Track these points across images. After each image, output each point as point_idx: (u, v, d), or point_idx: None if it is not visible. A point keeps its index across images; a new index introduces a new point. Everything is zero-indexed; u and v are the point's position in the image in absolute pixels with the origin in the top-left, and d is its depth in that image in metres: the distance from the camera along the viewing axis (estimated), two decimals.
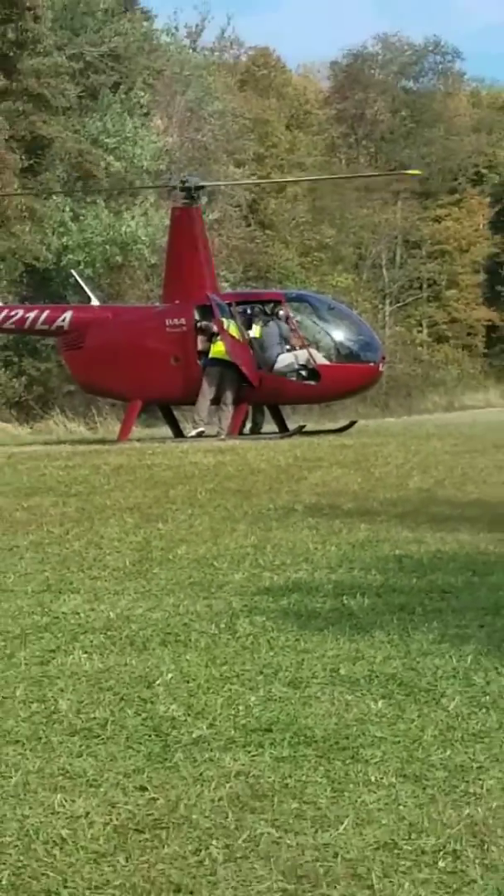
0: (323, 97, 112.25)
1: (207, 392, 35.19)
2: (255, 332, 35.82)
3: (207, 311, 35.58)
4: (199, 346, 35.41)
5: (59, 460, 26.93)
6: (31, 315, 40.25)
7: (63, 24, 63.91)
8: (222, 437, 33.90)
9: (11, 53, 58.67)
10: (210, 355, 35.09)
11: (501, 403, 77.17)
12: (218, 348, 34.86)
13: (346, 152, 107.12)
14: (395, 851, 6.04)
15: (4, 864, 5.99)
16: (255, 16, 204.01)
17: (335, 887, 5.66)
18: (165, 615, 11.18)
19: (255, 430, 36.56)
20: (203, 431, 35.02)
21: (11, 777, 7.14)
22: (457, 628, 10.42)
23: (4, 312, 40.52)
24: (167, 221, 42.16)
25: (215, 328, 35.00)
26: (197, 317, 35.63)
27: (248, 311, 36.74)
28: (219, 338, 34.89)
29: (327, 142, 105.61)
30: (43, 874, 5.87)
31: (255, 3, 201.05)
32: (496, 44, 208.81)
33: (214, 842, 6.18)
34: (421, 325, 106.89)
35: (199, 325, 35.44)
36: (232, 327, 35.13)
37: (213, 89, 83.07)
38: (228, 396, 35.16)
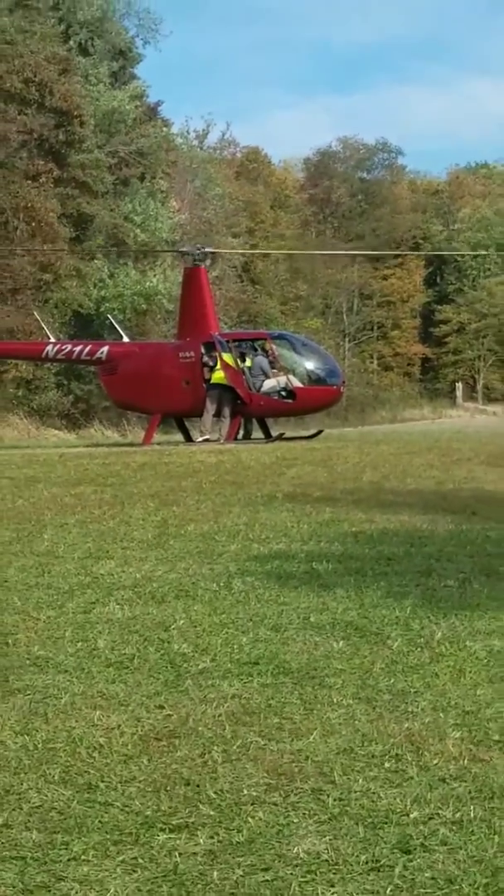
0: (298, 185, 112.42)
1: (210, 408, 35.29)
2: (247, 362, 35.96)
3: (211, 347, 35.66)
4: (205, 374, 35.53)
5: (98, 459, 26.92)
6: (77, 349, 40.43)
7: (102, 128, 63.85)
8: (221, 441, 33.97)
9: (63, 150, 58.67)
10: (212, 381, 35.20)
11: (433, 417, 77.24)
12: (218, 375, 35.00)
13: (315, 226, 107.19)
14: (352, 755, 6.04)
15: (56, 763, 5.98)
16: (249, 123, 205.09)
17: (307, 782, 5.65)
18: (178, 576, 11.17)
19: (247, 437, 36.56)
20: (208, 438, 35.05)
21: (61, 698, 7.13)
22: (398, 587, 10.40)
23: (57, 347, 40.66)
24: (180, 278, 42.19)
25: (212, 362, 35.18)
26: (203, 351, 35.73)
27: (242, 347, 36.86)
28: (219, 367, 35.01)
29: (302, 218, 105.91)
30: (85, 771, 5.87)
31: (248, 114, 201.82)
32: (429, 143, 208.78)
33: (215, 747, 6.18)
34: (372, 357, 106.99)
35: (203, 360, 35.56)
36: (229, 359, 35.21)
37: (215, 178, 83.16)
38: (226, 411, 35.28)
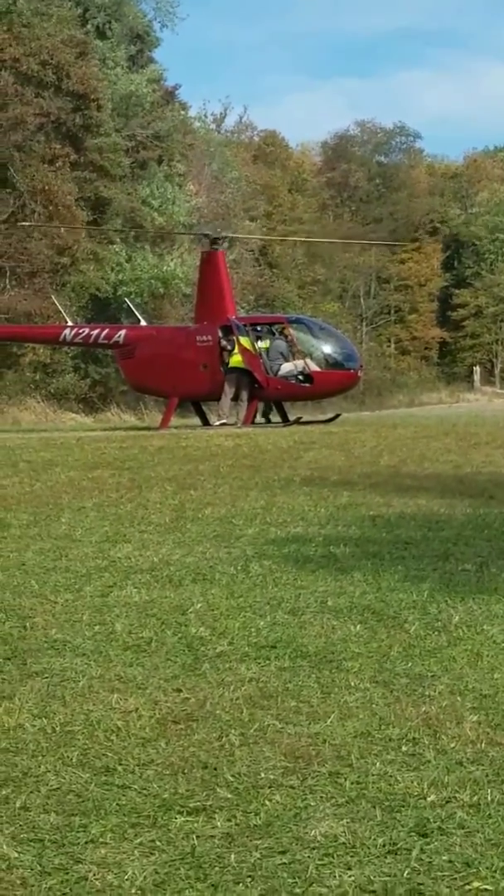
0: (316, 168, 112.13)
1: (228, 392, 35.33)
2: (264, 346, 35.93)
3: (228, 331, 35.65)
4: (223, 358, 35.54)
5: (115, 442, 26.96)
6: (95, 332, 40.44)
7: (119, 112, 63.79)
8: (239, 426, 33.97)
9: (80, 134, 58.62)
10: (230, 364, 35.22)
11: (450, 401, 77.25)
12: (236, 359, 35.02)
13: (333, 210, 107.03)
14: (369, 739, 6.05)
15: (74, 746, 6.00)
16: (266, 106, 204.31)
17: (324, 766, 5.67)
18: (196, 560, 11.19)
19: (265, 421, 36.59)
20: (225, 422, 35.09)
21: (79, 681, 7.15)
22: (416, 571, 10.42)
23: (75, 330, 40.71)
24: (198, 262, 42.16)
25: (230, 346, 35.19)
26: (220, 334, 35.72)
27: (259, 331, 36.86)
28: (236, 350, 35.03)
29: (319, 202, 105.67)
30: (103, 755, 5.89)
31: (265, 96, 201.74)
32: (446, 129, 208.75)
33: (232, 731, 6.19)
34: (389, 341, 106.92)
35: (221, 344, 35.56)
36: (247, 342, 35.23)
37: (232, 162, 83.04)
38: (244, 395, 35.34)
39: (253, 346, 35.58)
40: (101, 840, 4.90)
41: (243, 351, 35.17)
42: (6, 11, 57.18)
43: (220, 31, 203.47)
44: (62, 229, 55.69)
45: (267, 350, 35.94)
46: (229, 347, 35.51)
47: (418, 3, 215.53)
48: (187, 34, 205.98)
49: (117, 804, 5.26)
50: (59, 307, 43.92)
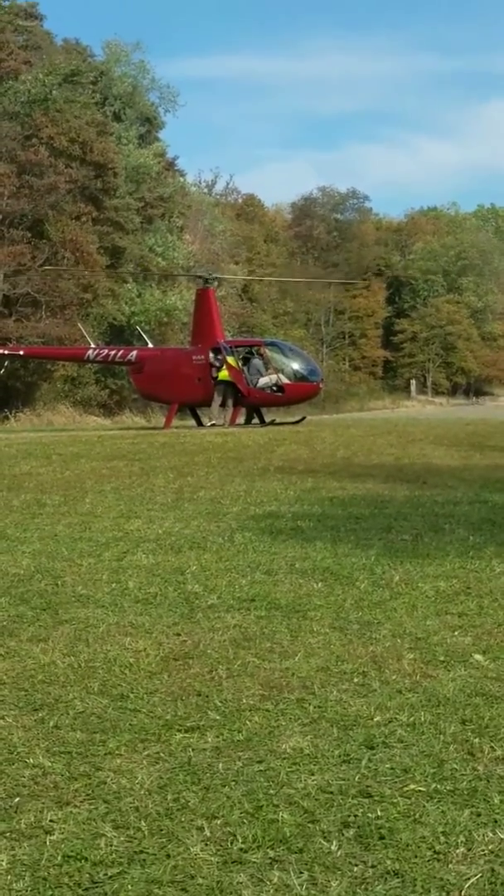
0: (286, 224, 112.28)
1: (217, 399, 35.35)
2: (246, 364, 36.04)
3: (218, 351, 35.67)
4: (213, 373, 35.55)
5: (128, 439, 26.94)
6: (112, 352, 40.54)
7: (131, 178, 63.74)
8: (226, 426, 33.97)
9: (100, 197, 58.66)
10: (218, 378, 35.25)
11: (392, 406, 77.70)
12: (223, 374, 35.07)
13: (300, 257, 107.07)
14: (328, 672, 6.05)
15: (96, 678, 6.00)
16: (247, 174, 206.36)
17: (292, 693, 5.67)
18: (192, 532, 11.18)
19: (246, 422, 36.57)
20: (215, 423, 35.08)
21: (100, 627, 7.14)
22: (365, 540, 10.41)
23: (97, 351, 40.78)
24: (193, 297, 42.17)
25: (218, 363, 35.21)
26: (211, 354, 35.74)
27: (241, 351, 36.89)
28: (224, 367, 35.07)
29: (289, 250, 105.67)
30: (119, 685, 5.88)
31: (247, 166, 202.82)
32: (390, 192, 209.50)
33: (220, 666, 6.19)
34: (344, 360, 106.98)
35: (211, 361, 35.58)
36: (232, 361, 35.28)
37: (220, 218, 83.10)
38: (230, 402, 35.35)
39: (237, 363, 35.66)
40: (116, 752, 4.90)
41: (229, 367, 35.25)
42: (43, 99, 57.09)
43: (212, 113, 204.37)
44: (86, 272, 55.71)
45: (248, 367, 36.01)
46: (217, 364, 35.52)
47: (372, 90, 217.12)
48: (185, 116, 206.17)
49: (129, 724, 5.26)
50: (84, 333, 43.99)
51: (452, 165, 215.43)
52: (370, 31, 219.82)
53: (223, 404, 35.60)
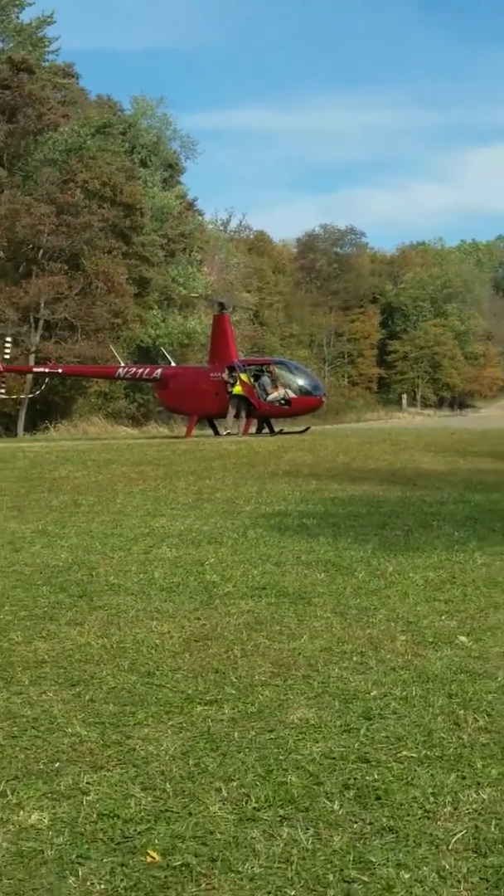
0: (292, 257, 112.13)
1: (232, 411, 35.35)
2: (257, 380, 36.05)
3: (232, 369, 35.66)
4: (228, 388, 35.54)
5: (154, 446, 26.95)
6: (140, 370, 40.57)
7: (156, 217, 63.78)
8: (239, 435, 33.95)
9: (129, 234, 58.76)
10: (233, 392, 35.24)
11: (385, 418, 77.65)
12: (237, 389, 35.06)
13: (304, 286, 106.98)
14: (330, 652, 6.05)
15: (126, 657, 6.00)
16: (258, 213, 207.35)
17: (299, 671, 5.67)
18: (210, 528, 11.18)
19: (257, 432, 36.57)
20: (230, 432, 35.07)
21: (129, 612, 7.14)
22: (363, 535, 10.41)
23: (126, 369, 40.76)
24: (211, 321, 42.19)
25: (232, 380, 35.18)
26: (226, 372, 35.71)
27: (253, 369, 36.89)
28: (238, 383, 35.06)
29: (294, 280, 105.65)
30: (146, 663, 5.88)
31: (258, 206, 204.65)
32: (383, 229, 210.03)
33: (235, 647, 6.19)
34: (344, 377, 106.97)
35: (226, 378, 35.54)
36: (245, 377, 35.29)
37: (234, 252, 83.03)
38: (243, 414, 35.32)
39: (249, 379, 35.66)
40: (144, 723, 4.90)
41: (242, 383, 35.24)
42: (79, 148, 57.36)
43: (226, 160, 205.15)
44: (116, 299, 55.88)
45: (259, 382, 36.02)
46: (231, 381, 35.50)
47: (367, 140, 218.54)
48: (203, 162, 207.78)
49: (156, 698, 5.26)
50: (115, 353, 44.02)
51: (438, 205, 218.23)
52: (364, 87, 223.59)
53: (237, 416, 35.58)
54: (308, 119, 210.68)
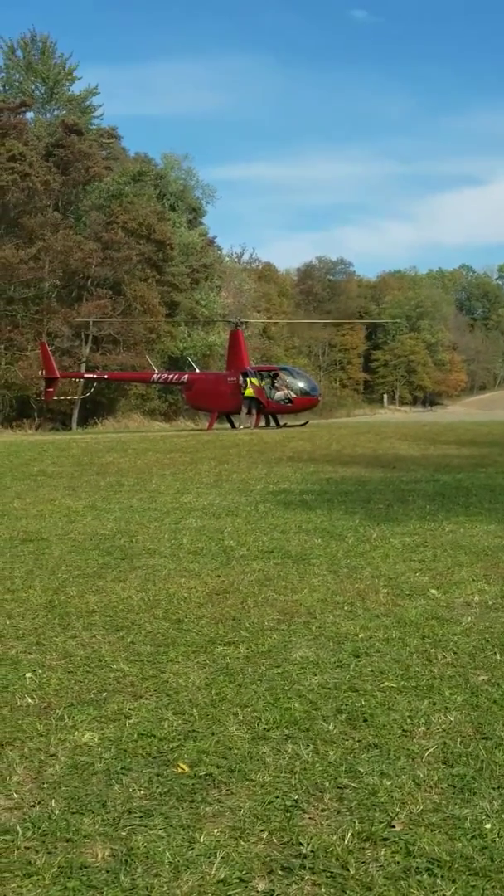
0: (293, 283, 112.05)
1: (244, 409, 35.24)
2: (265, 383, 35.94)
3: (245, 375, 35.55)
4: (242, 390, 35.41)
5: (182, 437, 26.92)
6: (170, 376, 40.43)
7: (182, 252, 63.64)
8: (251, 428, 33.89)
9: (161, 264, 58.66)
10: (245, 394, 35.13)
11: (370, 413, 77.54)
12: (249, 391, 34.92)
13: (304, 307, 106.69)
14: (326, 602, 6.04)
15: (160, 608, 6.00)
16: (266, 248, 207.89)
17: (301, 618, 5.66)
18: (228, 503, 11.17)
19: (266, 426, 36.48)
20: (244, 426, 35.00)
21: (163, 571, 7.14)
22: (351, 508, 10.40)
23: (159, 375, 40.68)
24: (228, 336, 42.08)
25: (245, 384, 34.97)
26: (241, 377, 35.59)
27: (262, 374, 36.79)
28: (249, 386, 34.94)
29: (296, 302, 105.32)
30: (176, 612, 5.88)
31: (265, 242, 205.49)
32: (367, 259, 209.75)
33: (249, 599, 6.19)
34: (336, 380, 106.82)
35: (240, 382, 35.37)
36: (255, 381, 35.17)
37: (246, 280, 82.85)
38: (254, 411, 35.20)
39: (259, 383, 35.55)
40: (175, 660, 4.90)
41: (253, 386, 35.12)
42: (119, 194, 57.45)
43: (239, 205, 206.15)
44: (151, 319, 55.94)
45: (267, 385, 35.93)
46: (244, 385, 35.37)
47: (351, 188, 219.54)
48: (221, 207, 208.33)
49: (184, 640, 5.26)
50: (150, 362, 44.02)
51: (409, 240, 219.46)
52: (347, 145, 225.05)
53: (248, 413, 35.47)
54: (302, 172, 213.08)
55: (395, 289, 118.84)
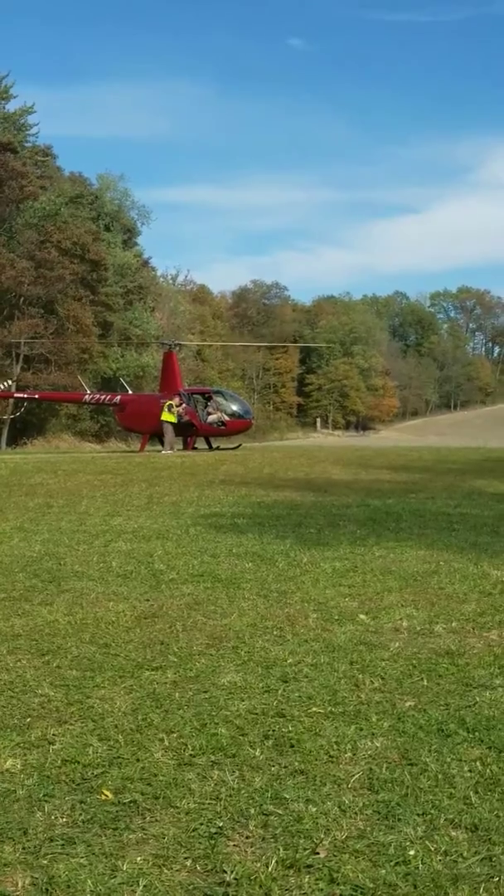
0: (228, 306, 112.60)
1: (166, 434, 34.33)
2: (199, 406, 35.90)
3: (179, 397, 35.46)
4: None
5: (113, 459, 26.75)
6: (103, 397, 40.17)
7: (117, 272, 63.60)
8: (184, 451, 33.79)
9: (94, 285, 58.52)
10: (162, 419, 34.01)
11: (303, 437, 77.89)
12: (166, 416, 33.75)
13: (238, 330, 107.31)
14: (255, 628, 6.03)
15: (87, 632, 5.93)
16: (200, 270, 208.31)
17: (230, 643, 5.65)
18: (159, 526, 11.12)
19: (200, 448, 36.42)
20: (164, 451, 34.79)
21: (91, 595, 7.07)
22: (282, 532, 10.41)
23: (91, 395, 40.44)
24: (161, 358, 42.03)
25: (168, 409, 33.97)
26: (176, 400, 35.40)
27: (196, 397, 36.78)
28: (166, 411, 33.81)
29: (230, 325, 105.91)
30: (104, 636, 5.82)
31: (201, 264, 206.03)
32: (302, 284, 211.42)
33: (178, 624, 6.15)
34: (270, 403, 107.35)
35: (168, 405, 34.66)
36: (175, 405, 34.99)
37: (181, 301, 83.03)
38: (172, 434, 34.78)
39: (193, 405, 35.51)
40: (101, 685, 4.86)
41: (173, 410, 34.79)
42: (54, 214, 57.22)
43: (175, 227, 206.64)
44: (84, 339, 55.71)
45: (200, 407, 35.87)
46: (168, 410, 34.78)
47: (289, 213, 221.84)
48: (156, 228, 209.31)
49: (111, 665, 5.22)
50: (82, 382, 43.86)
51: (345, 266, 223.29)
52: (287, 171, 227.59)
53: (167, 436, 35.25)
54: (241, 196, 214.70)
55: (329, 314, 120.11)
